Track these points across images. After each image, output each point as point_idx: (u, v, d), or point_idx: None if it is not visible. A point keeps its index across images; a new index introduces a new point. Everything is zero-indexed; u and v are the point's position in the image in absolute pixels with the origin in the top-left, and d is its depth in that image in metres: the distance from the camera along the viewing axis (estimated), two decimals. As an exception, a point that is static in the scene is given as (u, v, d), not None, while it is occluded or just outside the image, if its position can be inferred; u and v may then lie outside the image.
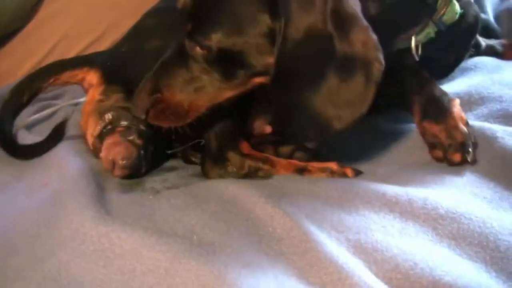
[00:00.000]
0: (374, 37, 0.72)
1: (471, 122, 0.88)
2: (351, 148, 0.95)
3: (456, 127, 0.82)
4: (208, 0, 0.79)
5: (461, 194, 0.76)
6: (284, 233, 0.72)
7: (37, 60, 1.55)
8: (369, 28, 0.72)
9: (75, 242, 0.74)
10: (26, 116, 1.20)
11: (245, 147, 0.93)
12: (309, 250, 0.68)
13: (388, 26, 0.77)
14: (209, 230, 0.74)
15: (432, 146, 0.84)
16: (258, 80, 0.82)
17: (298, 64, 0.75)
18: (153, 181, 0.93)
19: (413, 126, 0.91)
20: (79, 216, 0.77)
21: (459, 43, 0.98)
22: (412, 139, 0.90)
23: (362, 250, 0.68)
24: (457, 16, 0.88)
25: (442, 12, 0.86)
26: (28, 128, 1.17)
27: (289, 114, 0.78)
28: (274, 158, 0.92)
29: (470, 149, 0.81)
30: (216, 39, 0.78)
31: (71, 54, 1.55)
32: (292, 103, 0.76)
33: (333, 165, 0.87)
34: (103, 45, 1.52)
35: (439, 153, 0.82)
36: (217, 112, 0.87)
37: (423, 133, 0.86)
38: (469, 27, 0.95)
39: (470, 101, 0.97)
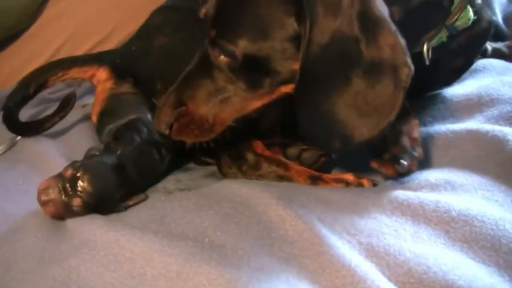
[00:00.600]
0: (402, 41, 0.70)
1: (481, 124, 0.88)
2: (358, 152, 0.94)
3: (396, 141, 0.81)
4: (232, 6, 0.76)
5: (472, 197, 0.76)
6: (296, 236, 0.72)
7: (42, 61, 1.54)
8: (398, 32, 0.70)
9: (86, 248, 0.73)
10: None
11: (259, 146, 0.92)
12: (321, 253, 0.68)
13: (410, 30, 0.74)
14: (221, 233, 0.74)
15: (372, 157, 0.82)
16: (284, 89, 0.79)
17: (324, 69, 0.72)
18: (166, 180, 0.93)
19: (423, 130, 0.90)
20: (89, 226, 0.77)
21: (470, 48, 0.96)
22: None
23: (374, 254, 0.68)
24: (470, 22, 0.87)
25: (456, 17, 0.85)
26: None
27: (314, 123, 0.76)
28: (288, 162, 0.91)
29: (403, 161, 0.79)
30: (242, 44, 0.75)
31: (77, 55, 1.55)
32: (317, 110, 0.73)
33: (349, 176, 0.86)
34: (109, 46, 1.51)
35: (374, 164, 0.81)
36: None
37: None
38: (482, 32, 0.94)
39: (480, 103, 0.96)
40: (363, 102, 0.71)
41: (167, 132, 0.81)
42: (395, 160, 0.79)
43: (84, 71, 1.13)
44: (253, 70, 0.77)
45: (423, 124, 0.93)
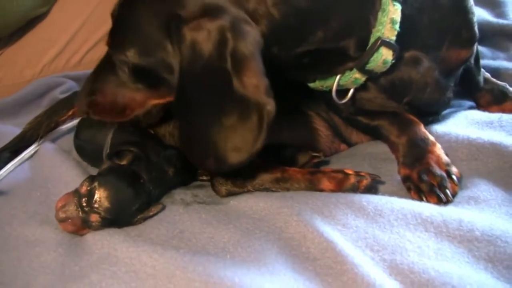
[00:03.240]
0: (265, 81, 0.72)
1: (504, 136, 0.87)
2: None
3: (428, 170, 0.82)
4: (125, 20, 0.83)
5: (496, 214, 0.76)
6: (318, 254, 0.71)
7: (59, 48, 1.56)
8: (262, 73, 0.72)
9: (107, 264, 0.73)
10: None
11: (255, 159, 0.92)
12: (345, 272, 0.68)
13: (300, 67, 0.82)
14: (242, 249, 0.74)
15: (408, 189, 0.83)
16: None
17: (199, 95, 0.75)
18: (183, 193, 0.92)
19: (445, 143, 0.90)
20: (109, 241, 0.77)
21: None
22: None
23: (398, 271, 0.68)
24: (388, 65, 0.85)
25: (366, 60, 0.83)
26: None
27: (191, 140, 0.79)
28: (284, 166, 0.91)
29: (444, 190, 0.80)
30: (130, 56, 0.81)
31: (92, 41, 1.57)
32: (193, 129, 0.77)
33: (347, 170, 0.86)
34: None
35: (415, 195, 0.82)
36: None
37: (401, 178, 0.86)
38: None
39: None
40: (235, 131, 0.73)
41: (84, 115, 0.93)
42: (434, 190, 0.80)
43: None
44: (147, 75, 0.83)
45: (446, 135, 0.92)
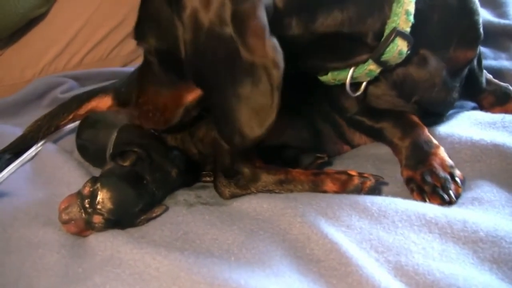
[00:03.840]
0: (271, 39, 0.69)
1: (507, 137, 0.87)
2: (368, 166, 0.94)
3: (432, 171, 0.82)
4: (142, 10, 0.84)
5: (500, 215, 0.75)
6: (322, 255, 0.71)
7: (60, 48, 1.57)
8: (266, 30, 0.69)
9: (110, 266, 0.73)
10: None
11: (258, 161, 0.92)
12: (350, 274, 0.67)
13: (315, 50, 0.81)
14: (246, 250, 0.73)
15: (411, 190, 0.83)
16: None
17: (209, 67, 0.73)
18: (187, 194, 0.92)
19: (447, 144, 0.90)
20: (113, 243, 0.77)
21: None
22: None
23: (403, 273, 0.68)
24: (403, 56, 0.84)
25: (382, 51, 0.83)
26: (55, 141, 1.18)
27: (218, 117, 0.76)
28: (287, 168, 0.91)
29: (448, 191, 0.80)
30: (152, 42, 0.83)
31: (93, 41, 1.57)
32: (217, 104, 0.75)
33: (350, 171, 0.86)
34: (125, 31, 1.54)
35: (418, 197, 0.82)
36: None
37: (404, 180, 0.86)
38: None
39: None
40: (251, 100, 0.71)
41: (137, 122, 0.94)
42: (437, 191, 0.80)
43: (91, 105, 1.18)
44: (171, 61, 0.82)
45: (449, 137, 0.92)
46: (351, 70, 0.86)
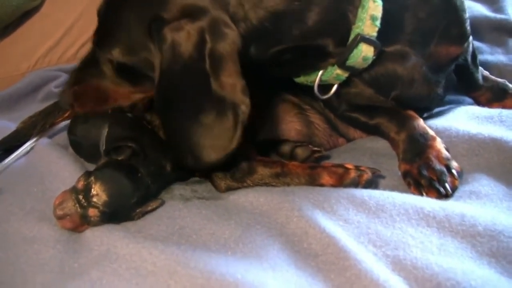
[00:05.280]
0: (242, 82, 0.74)
1: (504, 132, 0.87)
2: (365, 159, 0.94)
3: (428, 165, 0.82)
4: (110, 20, 0.84)
5: (498, 209, 0.75)
6: (320, 250, 0.71)
7: (54, 41, 1.56)
8: (239, 73, 0.74)
9: (107, 261, 0.72)
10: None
11: (253, 154, 0.92)
12: (348, 268, 0.67)
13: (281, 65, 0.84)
14: (243, 245, 0.73)
15: (408, 184, 0.84)
16: None
17: (178, 94, 0.77)
18: (183, 188, 0.91)
19: (445, 138, 0.90)
20: (109, 238, 0.76)
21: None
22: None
23: (402, 267, 0.67)
24: (369, 61, 0.85)
25: (345, 57, 0.83)
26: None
27: (171, 135, 0.81)
28: (284, 161, 0.91)
29: (444, 184, 0.80)
30: (115, 54, 0.83)
31: (88, 34, 1.56)
32: (173, 125, 0.79)
33: (347, 164, 0.86)
34: None
35: (415, 190, 0.82)
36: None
37: (402, 174, 0.86)
38: None
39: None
40: (211, 130, 0.75)
41: (68, 107, 0.95)
42: (434, 185, 0.80)
43: None
44: (131, 73, 0.85)
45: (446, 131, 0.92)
46: (319, 73, 0.87)
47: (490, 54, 1.27)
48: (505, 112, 0.95)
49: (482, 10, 1.40)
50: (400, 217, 0.75)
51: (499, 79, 1.09)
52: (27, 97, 1.40)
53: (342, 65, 0.85)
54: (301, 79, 0.90)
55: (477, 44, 1.09)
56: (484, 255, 0.68)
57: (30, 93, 1.41)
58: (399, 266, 0.67)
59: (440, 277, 0.64)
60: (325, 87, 0.89)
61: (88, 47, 1.55)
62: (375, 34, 0.82)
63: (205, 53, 0.74)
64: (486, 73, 1.10)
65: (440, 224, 0.73)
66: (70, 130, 1.05)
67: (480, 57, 1.12)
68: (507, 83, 1.08)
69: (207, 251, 0.72)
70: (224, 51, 0.74)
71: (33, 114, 1.16)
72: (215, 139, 0.75)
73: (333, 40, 0.83)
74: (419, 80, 0.91)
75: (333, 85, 0.90)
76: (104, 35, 0.85)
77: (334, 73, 0.86)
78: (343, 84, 0.90)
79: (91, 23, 1.55)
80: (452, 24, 0.91)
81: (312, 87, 0.89)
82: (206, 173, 0.92)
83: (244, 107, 0.74)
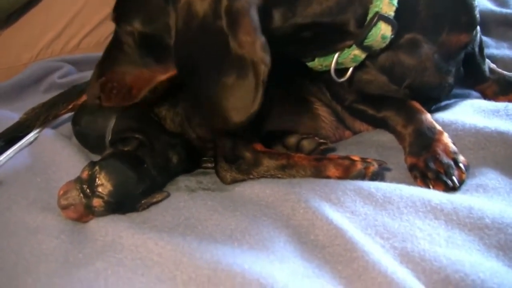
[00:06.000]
0: (261, 39, 0.71)
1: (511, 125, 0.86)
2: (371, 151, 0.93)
3: (435, 158, 0.82)
4: None
5: (505, 202, 0.75)
6: (327, 241, 0.71)
7: (57, 31, 1.55)
8: (257, 29, 0.71)
9: (112, 251, 0.72)
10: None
11: (259, 146, 0.91)
12: (355, 259, 0.67)
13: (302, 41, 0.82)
14: (249, 236, 0.73)
15: (415, 177, 0.83)
16: None
17: (196, 54, 0.75)
18: (188, 180, 0.91)
19: (452, 131, 0.89)
20: (114, 228, 0.76)
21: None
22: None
23: (409, 259, 0.67)
24: (387, 40, 0.84)
25: (364, 35, 0.83)
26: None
27: (199, 99, 0.79)
28: (290, 153, 0.90)
29: (451, 177, 0.80)
30: (136, 26, 0.83)
31: (90, 25, 1.56)
32: (199, 90, 0.77)
33: (353, 156, 0.86)
34: None
35: (421, 183, 0.81)
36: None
37: (408, 167, 0.85)
38: None
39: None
40: (233, 91, 0.73)
41: (97, 101, 0.91)
42: (441, 177, 0.80)
43: None
44: (153, 46, 0.84)
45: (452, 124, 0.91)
46: (335, 55, 0.86)
47: (495, 48, 1.27)
48: (511, 105, 0.95)
49: (487, 5, 1.40)
50: (407, 209, 0.74)
51: (506, 72, 1.09)
52: (29, 88, 1.39)
53: (360, 45, 0.84)
54: (315, 63, 0.89)
55: (482, 38, 1.08)
56: (492, 247, 0.68)
57: (32, 84, 1.40)
58: (407, 258, 0.67)
59: (448, 269, 0.64)
60: (339, 71, 0.89)
61: (90, 37, 1.57)
62: (392, 13, 0.82)
63: (221, 11, 0.71)
64: (493, 65, 1.10)
65: (447, 217, 0.72)
66: (75, 120, 1.04)
67: (486, 51, 1.11)
68: None
69: (213, 242, 0.72)
70: (241, 7, 0.71)
71: (36, 106, 1.16)
72: (238, 100, 0.73)
73: (353, 19, 0.82)
74: (431, 68, 0.91)
75: (348, 69, 0.89)
76: (123, 9, 0.86)
77: (351, 54, 0.85)
78: (356, 70, 0.90)
79: (94, 14, 1.58)
80: (462, 12, 0.91)
81: (325, 72, 0.88)
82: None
83: (264, 66, 0.71)
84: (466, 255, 0.67)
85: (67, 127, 1.11)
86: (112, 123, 0.96)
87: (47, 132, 1.08)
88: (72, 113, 1.12)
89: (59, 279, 0.70)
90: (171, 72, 0.86)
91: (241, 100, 0.73)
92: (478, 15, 0.94)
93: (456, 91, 1.02)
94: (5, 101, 1.35)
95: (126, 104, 0.91)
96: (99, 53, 1.53)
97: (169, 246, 0.70)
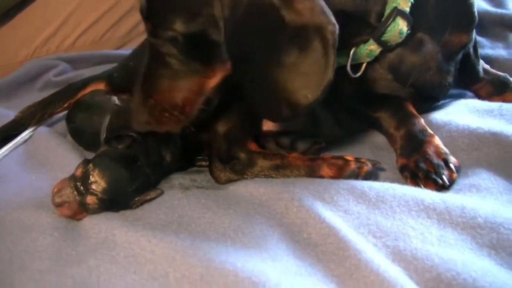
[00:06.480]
0: (320, 2, 0.69)
1: (504, 126, 0.87)
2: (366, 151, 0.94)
3: (426, 158, 0.82)
4: None
5: (498, 202, 0.75)
6: (320, 240, 0.71)
7: (53, 29, 1.56)
8: None
9: (105, 249, 0.72)
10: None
11: (253, 146, 0.92)
12: (348, 258, 0.67)
13: None
14: (242, 234, 0.73)
15: (405, 178, 0.83)
16: None
17: (249, 39, 0.72)
18: (182, 178, 0.91)
19: (445, 132, 0.89)
20: (107, 226, 0.76)
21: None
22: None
23: (401, 258, 0.67)
24: (403, 36, 0.85)
25: (383, 30, 0.83)
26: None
27: (259, 93, 0.75)
28: (284, 153, 0.91)
29: (441, 176, 0.80)
30: (178, 27, 0.76)
31: (86, 23, 1.57)
32: (257, 80, 0.74)
33: (347, 156, 0.86)
34: (118, 13, 1.53)
35: (412, 183, 0.82)
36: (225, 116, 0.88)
37: (399, 168, 0.85)
38: None
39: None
40: (299, 66, 0.70)
41: (147, 128, 0.83)
42: (431, 176, 0.80)
43: (86, 92, 1.17)
44: (198, 46, 0.78)
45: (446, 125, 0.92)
46: (352, 50, 0.86)
47: (490, 48, 1.27)
48: (505, 106, 0.95)
49: (483, 5, 1.40)
50: (400, 208, 0.74)
51: (500, 73, 1.09)
52: (25, 86, 1.39)
53: (378, 39, 0.85)
54: None
55: (478, 38, 1.08)
56: (484, 246, 0.68)
57: (28, 81, 1.40)
58: (399, 256, 0.67)
59: (440, 268, 0.64)
60: (353, 67, 0.88)
61: (86, 36, 1.57)
62: (408, 9, 0.83)
63: None
64: (487, 66, 1.10)
65: (440, 216, 0.72)
66: (70, 117, 1.04)
67: (481, 51, 1.12)
68: (508, 77, 1.08)
69: (206, 240, 0.72)
70: None
71: (31, 104, 1.16)
72: (306, 77, 0.69)
73: (374, 12, 0.83)
74: (434, 67, 0.92)
75: (361, 65, 0.89)
76: (159, 16, 0.78)
77: (367, 49, 0.86)
78: (366, 68, 0.90)
79: (90, 12, 1.58)
80: (463, 12, 0.92)
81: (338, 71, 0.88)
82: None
83: (332, 27, 0.68)
84: (458, 254, 0.67)
85: (62, 125, 1.11)
86: (106, 120, 0.96)
87: (42, 130, 1.08)
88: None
89: (52, 276, 0.71)
90: (220, 74, 0.80)
91: (309, 76, 0.70)
92: (476, 14, 0.95)
93: (451, 91, 1.02)
94: (0, 99, 1.35)
95: (180, 127, 0.83)
96: (95, 51, 1.55)
97: (162, 243, 0.71)
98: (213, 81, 0.81)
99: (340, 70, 0.87)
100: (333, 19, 0.69)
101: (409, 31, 0.85)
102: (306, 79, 0.70)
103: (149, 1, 0.79)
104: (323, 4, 0.69)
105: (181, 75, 0.80)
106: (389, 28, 0.83)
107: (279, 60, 0.70)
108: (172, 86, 0.80)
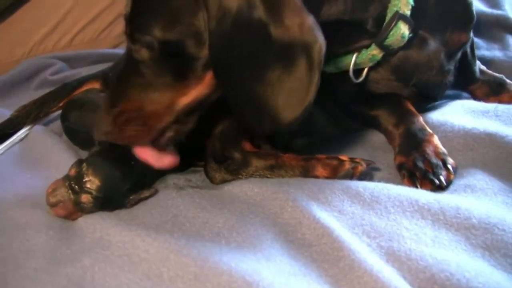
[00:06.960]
0: (310, 18, 0.67)
1: (500, 127, 0.87)
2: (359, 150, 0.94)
3: (424, 157, 0.82)
4: (143, 1, 0.75)
5: (493, 203, 0.75)
6: (314, 240, 0.71)
7: (49, 28, 1.56)
8: (303, 9, 0.68)
9: (99, 248, 0.72)
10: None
11: (248, 146, 0.92)
12: (342, 258, 0.67)
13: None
14: (237, 234, 0.73)
15: (403, 176, 0.83)
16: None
17: (235, 55, 0.70)
18: (176, 178, 0.91)
19: (441, 133, 0.89)
20: (102, 225, 0.76)
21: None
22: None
23: (395, 258, 0.67)
24: (405, 39, 0.85)
25: (385, 35, 0.83)
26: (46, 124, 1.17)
27: (242, 105, 0.74)
28: (278, 153, 0.90)
29: (438, 176, 0.80)
30: (156, 32, 0.73)
31: (83, 21, 1.57)
32: (241, 93, 0.72)
33: (342, 156, 0.86)
34: (115, 12, 1.53)
35: (409, 182, 0.82)
36: (219, 116, 0.88)
37: (396, 166, 0.86)
38: None
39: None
40: (281, 84, 0.69)
41: (109, 138, 0.78)
42: (428, 176, 0.80)
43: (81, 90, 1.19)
44: (173, 58, 0.75)
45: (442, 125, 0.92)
46: (354, 56, 0.86)
47: (486, 49, 1.28)
48: (500, 106, 0.95)
49: (479, 6, 1.40)
50: (394, 209, 0.74)
51: (496, 74, 1.10)
52: (21, 85, 1.39)
53: (380, 44, 0.85)
54: (330, 67, 0.88)
55: (474, 38, 1.08)
56: (478, 247, 0.68)
57: (24, 80, 1.40)
58: (393, 257, 0.67)
59: (434, 269, 0.64)
60: (355, 72, 0.89)
61: (83, 34, 1.58)
62: (408, 12, 0.83)
63: (255, 0, 0.67)
64: (483, 67, 1.11)
65: (434, 217, 0.72)
66: (64, 116, 1.04)
67: (477, 52, 1.12)
68: (505, 78, 1.08)
69: (200, 240, 0.72)
70: None
71: (27, 103, 1.16)
72: (288, 94, 0.68)
73: (372, 18, 0.83)
74: (437, 67, 0.92)
75: (362, 69, 0.89)
76: (140, 19, 0.75)
77: (370, 54, 0.86)
78: (368, 70, 0.90)
79: (87, 10, 1.58)
80: (462, 11, 0.93)
81: (338, 74, 0.89)
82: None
83: (318, 46, 0.66)
84: (452, 255, 0.67)
85: (58, 124, 1.11)
86: None
87: (38, 129, 1.08)
88: None
89: (46, 275, 0.71)
90: (194, 92, 0.77)
91: (292, 93, 0.68)
92: (474, 13, 0.95)
93: (447, 91, 1.03)
94: (-3, 98, 1.35)
95: (143, 143, 0.79)
96: (91, 50, 1.55)
97: (156, 243, 0.71)
98: (185, 99, 0.77)
99: (339, 73, 0.88)
100: (321, 37, 0.67)
101: (411, 34, 0.85)
102: (288, 97, 0.69)
103: (134, 3, 0.76)
104: (312, 20, 0.68)
105: (153, 86, 0.76)
106: (391, 33, 0.83)
107: (262, 76, 0.69)
108: (141, 97, 0.77)
